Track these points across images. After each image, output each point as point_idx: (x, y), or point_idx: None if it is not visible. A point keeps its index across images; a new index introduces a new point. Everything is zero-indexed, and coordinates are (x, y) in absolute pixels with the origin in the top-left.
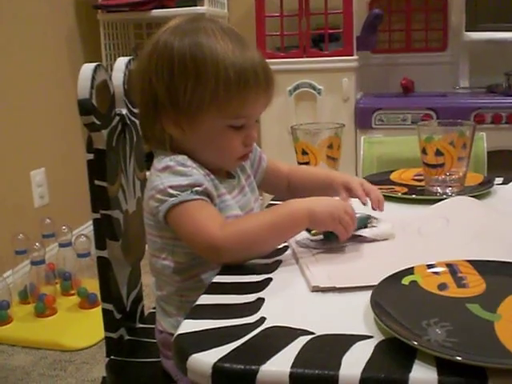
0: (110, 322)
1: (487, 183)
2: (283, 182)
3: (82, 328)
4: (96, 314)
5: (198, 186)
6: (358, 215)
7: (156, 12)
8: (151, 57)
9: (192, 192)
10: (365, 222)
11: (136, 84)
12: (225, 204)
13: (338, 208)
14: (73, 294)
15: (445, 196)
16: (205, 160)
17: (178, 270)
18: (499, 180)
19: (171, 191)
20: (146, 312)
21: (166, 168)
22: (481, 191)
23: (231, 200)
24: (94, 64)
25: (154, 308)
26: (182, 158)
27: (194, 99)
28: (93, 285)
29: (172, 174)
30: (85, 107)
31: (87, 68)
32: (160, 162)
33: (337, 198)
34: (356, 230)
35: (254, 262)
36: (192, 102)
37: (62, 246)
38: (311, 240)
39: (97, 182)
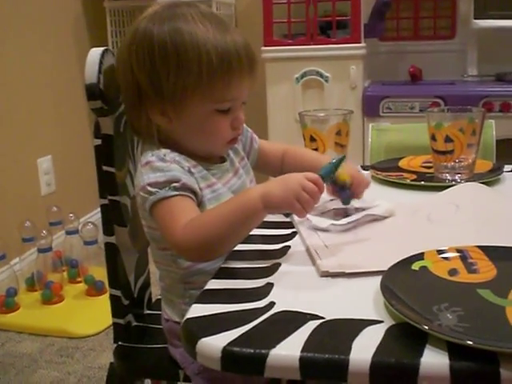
0: (117, 308)
1: (496, 170)
2: (277, 162)
3: (89, 315)
4: (103, 302)
5: (176, 182)
6: (330, 162)
7: None
8: (131, 46)
9: (170, 188)
10: (338, 164)
11: (118, 75)
12: (217, 193)
13: (293, 188)
14: (80, 282)
15: (454, 183)
16: (194, 148)
17: (179, 258)
18: (508, 167)
19: (150, 189)
20: (154, 299)
21: (146, 163)
22: (490, 178)
23: (223, 188)
24: (102, 48)
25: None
26: (164, 151)
27: (178, 86)
28: (100, 272)
29: (151, 170)
30: (92, 92)
31: (95, 52)
32: (145, 156)
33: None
34: (331, 175)
35: (263, 248)
36: (176, 89)
37: (68, 233)
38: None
39: (104, 168)
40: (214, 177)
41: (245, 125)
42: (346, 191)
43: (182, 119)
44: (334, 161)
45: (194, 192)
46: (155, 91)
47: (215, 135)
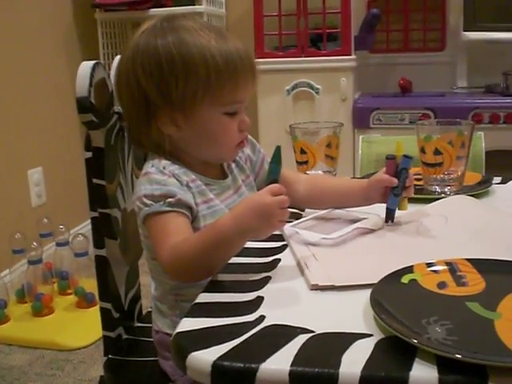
0: (107, 321)
1: (485, 182)
2: (295, 189)
3: (80, 327)
4: (93, 314)
5: (171, 197)
6: (271, 162)
7: (154, 11)
8: (134, 60)
9: (164, 203)
10: (279, 158)
11: (121, 92)
12: (212, 210)
13: (264, 211)
14: (70, 294)
15: (443, 195)
16: (202, 155)
17: None
18: (497, 179)
19: (145, 200)
20: (144, 311)
21: (145, 174)
22: (479, 190)
23: (220, 205)
24: (93, 62)
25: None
26: (163, 163)
27: (187, 92)
28: (90, 284)
29: (148, 182)
30: (83, 105)
31: (86, 66)
32: (146, 165)
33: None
34: (275, 174)
35: (253, 261)
36: (185, 96)
37: (59, 245)
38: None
39: (95, 181)
40: (212, 192)
41: (258, 146)
42: (396, 198)
43: (192, 126)
44: (274, 158)
45: (189, 207)
46: (164, 100)
47: (225, 139)
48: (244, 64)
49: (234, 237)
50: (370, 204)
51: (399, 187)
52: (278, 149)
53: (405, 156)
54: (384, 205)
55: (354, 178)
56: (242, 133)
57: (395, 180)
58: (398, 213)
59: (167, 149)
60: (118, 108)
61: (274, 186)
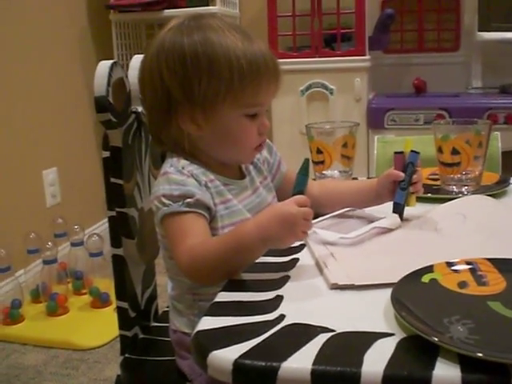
0: (124, 320)
1: (503, 182)
2: (310, 194)
3: (94, 327)
4: (108, 314)
5: (190, 198)
6: (298, 173)
7: (168, 12)
8: (159, 56)
9: (183, 204)
10: (307, 170)
11: (145, 88)
12: (230, 210)
13: (288, 220)
14: (84, 294)
15: (460, 195)
16: (221, 156)
17: None
18: None
19: (164, 200)
20: (160, 311)
21: (164, 174)
22: (497, 190)
23: (238, 205)
24: (111, 61)
25: (168, 307)
26: (182, 163)
27: (209, 91)
28: (105, 284)
29: (167, 182)
30: (101, 104)
31: (104, 65)
32: (164, 165)
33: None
34: (302, 185)
35: (271, 260)
36: (207, 95)
37: (73, 245)
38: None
39: (113, 180)
40: (230, 193)
41: (275, 148)
42: (403, 192)
43: (212, 125)
44: (301, 170)
45: (207, 208)
46: (187, 98)
47: (244, 141)
48: (268, 67)
49: (256, 244)
50: (382, 202)
51: (406, 181)
52: (307, 161)
53: (412, 151)
54: (415, 211)
55: (369, 178)
56: (261, 136)
57: (401, 174)
58: (415, 211)
59: (186, 148)
60: (135, 107)
61: (300, 197)
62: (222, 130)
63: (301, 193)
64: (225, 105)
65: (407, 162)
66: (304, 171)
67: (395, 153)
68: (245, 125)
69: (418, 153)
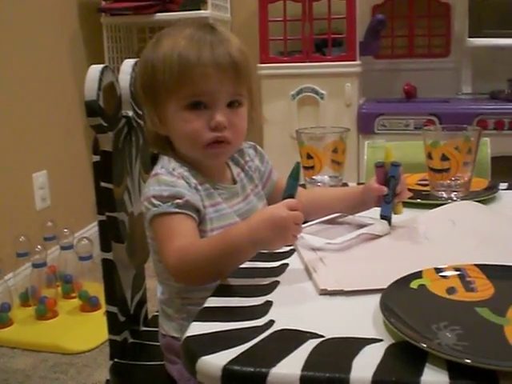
0: (113, 325)
1: (492, 188)
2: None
3: (83, 331)
4: (97, 318)
5: (179, 199)
6: (289, 176)
7: (159, 16)
8: (137, 64)
9: (172, 204)
10: (298, 174)
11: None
12: (220, 213)
13: (279, 224)
14: (74, 297)
15: (450, 201)
16: (189, 156)
17: None
18: (503, 185)
19: (154, 201)
20: (150, 315)
21: (155, 175)
22: (486, 196)
23: (228, 209)
24: (102, 66)
25: (158, 311)
26: (173, 165)
27: (156, 91)
28: (94, 288)
29: (157, 183)
30: (92, 109)
31: (95, 69)
32: (156, 167)
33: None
34: (292, 189)
35: (261, 266)
36: (155, 94)
37: (63, 248)
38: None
39: (103, 184)
40: (220, 196)
41: (266, 157)
42: (388, 205)
43: (165, 123)
44: (292, 174)
45: (196, 209)
46: (147, 100)
47: (190, 136)
48: (201, 57)
49: (246, 246)
50: (367, 208)
51: (389, 195)
52: (298, 165)
53: (392, 164)
54: (404, 217)
55: (359, 183)
56: (213, 132)
57: (385, 188)
58: (404, 217)
59: (170, 149)
60: (126, 112)
61: (290, 201)
62: (170, 126)
63: (291, 196)
64: (168, 101)
65: (388, 176)
66: (295, 175)
67: (376, 166)
68: (188, 119)
69: (398, 165)
